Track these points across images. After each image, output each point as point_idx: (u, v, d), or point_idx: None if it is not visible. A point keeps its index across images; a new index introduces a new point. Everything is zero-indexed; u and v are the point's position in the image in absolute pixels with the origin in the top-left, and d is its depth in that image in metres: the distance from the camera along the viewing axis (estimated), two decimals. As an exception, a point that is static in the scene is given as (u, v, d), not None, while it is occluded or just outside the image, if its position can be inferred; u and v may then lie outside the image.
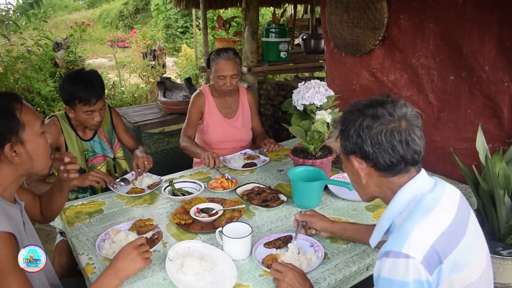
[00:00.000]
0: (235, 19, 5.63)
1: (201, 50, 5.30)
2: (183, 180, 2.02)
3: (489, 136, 1.90)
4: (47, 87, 5.21)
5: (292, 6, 6.75)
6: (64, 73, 5.59)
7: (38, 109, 4.99)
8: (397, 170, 1.06)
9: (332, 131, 1.74)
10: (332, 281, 1.34)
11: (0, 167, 1.22)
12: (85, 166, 2.13)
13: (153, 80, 6.46)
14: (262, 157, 2.32)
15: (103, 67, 8.99)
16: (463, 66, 2.01)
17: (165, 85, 4.61)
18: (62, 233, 1.99)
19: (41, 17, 4.73)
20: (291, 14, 6.76)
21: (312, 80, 1.94)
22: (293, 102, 1.95)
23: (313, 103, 1.86)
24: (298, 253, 1.42)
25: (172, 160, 3.81)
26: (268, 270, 1.32)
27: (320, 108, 1.87)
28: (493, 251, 1.69)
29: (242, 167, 2.23)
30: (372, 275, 1.07)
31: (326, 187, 1.89)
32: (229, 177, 2.03)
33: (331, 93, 1.91)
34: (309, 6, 6.14)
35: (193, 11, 6.72)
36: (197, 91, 2.58)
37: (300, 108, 1.92)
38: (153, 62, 6.65)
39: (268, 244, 1.48)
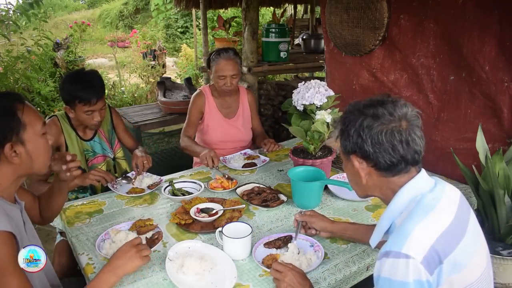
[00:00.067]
0: (235, 19, 5.64)
1: (201, 50, 5.30)
2: (183, 180, 2.02)
3: (489, 136, 1.90)
4: (47, 87, 5.22)
5: (292, 6, 6.75)
6: (64, 73, 5.59)
7: (38, 109, 4.99)
8: (398, 170, 1.06)
9: (332, 131, 1.74)
10: (332, 281, 1.34)
11: (0, 167, 1.22)
12: (85, 166, 2.13)
13: (153, 80, 6.46)
14: (262, 157, 2.32)
15: (103, 67, 8.99)
16: (463, 66, 2.01)
17: (165, 85, 4.61)
18: (62, 233, 1.99)
19: (41, 17, 4.72)
20: (291, 14, 6.76)
21: (312, 80, 1.93)
22: (293, 102, 1.95)
23: (313, 103, 1.86)
24: (298, 253, 1.42)
25: (172, 160, 3.81)
26: (268, 270, 1.32)
27: (320, 108, 1.87)
28: (493, 251, 1.69)
29: (242, 167, 2.23)
30: (372, 275, 1.07)
31: (326, 187, 1.89)
32: (229, 175, 2.03)
33: (331, 93, 1.91)
34: (309, 6, 6.14)
35: (193, 11, 6.73)
36: (197, 91, 2.58)
37: (300, 108, 1.92)
38: (153, 62, 6.65)
39: (268, 244, 1.48)
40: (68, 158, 1.46)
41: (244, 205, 1.74)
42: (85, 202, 1.89)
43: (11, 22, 4.06)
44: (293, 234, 1.51)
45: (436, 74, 2.15)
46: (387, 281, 0.95)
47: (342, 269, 1.39)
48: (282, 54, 3.93)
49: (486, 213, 1.80)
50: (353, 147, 1.09)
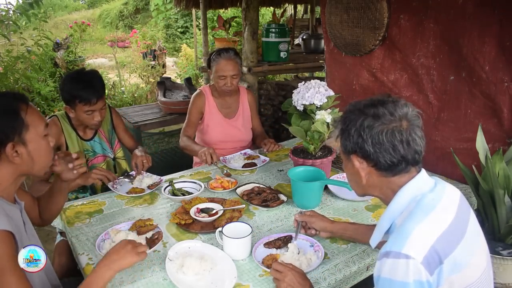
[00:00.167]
0: (235, 19, 5.64)
1: (201, 50, 5.30)
2: (183, 180, 2.02)
3: (489, 136, 1.90)
4: (47, 87, 5.21)
5: (292, 6, 6.75)
6: (64, 73, 5.59)
7: (38, 109, 4.98)
8: (398, 170, 1.06)
9: (332, 131, 1.74)
10: (332, 281, 1.34)
11: (0, 166, 1.22)
12: (85, 166, 2.12)
13: (153, 80, 6.46)
14: (262, 157, 2.32)
15: (103, 67, 8.99)
16: (463, 66, 2.01)
17: (165, 85, 4.61)
18: (62, 233, 1.99)
19: (41, 17, 4.72)
20: (291, 14, 6.77)
21: (312, 80, 1.93)
22: (293, 102, 1.95)
23: (313, 103, 1.86)
24: (298, 253, 1.42)
25: (172, 160, 3.81)
26: (268, 270, 1.32)
27: (320, 108, 1.87)
28: (493, 251, 1.69)
29: (242, 167, 2.23)
30: (372, 275, 1.07)
31: (326, 187, 1.89)
32: (228, 171, 2.04)
33: (331, 93, 1.91)
34: (309, 6, 6.14)
35: (193, 11, 6.73)
36: (197, 91, 2.58)
37: (300, 108, 1.92)
38: (153, 62, 6.65)
39: (268, 244, 1.48)
40: (74, 156, 1.49)
41: (244, 205, 1.74)
42: (85, 202, 1.89)
43: (11, 22, 4.06)
44: (293, 234, 1.51)
45: (436, 74, 2.15)
46: (387, 282, 0.95)
47: (342, 269, 1.39)
48: (282, 54, 3.93)
49: (486, 213, 1.80)
50: (353, 147, 1.09)
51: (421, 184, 1.07)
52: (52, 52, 5.87)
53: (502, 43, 1.84)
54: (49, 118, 2.10)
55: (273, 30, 3.89)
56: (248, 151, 2.44)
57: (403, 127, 1.04)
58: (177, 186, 1.95)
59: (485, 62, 1.91)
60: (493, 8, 1.84)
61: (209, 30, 5.39)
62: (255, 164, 2.25)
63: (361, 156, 1.09)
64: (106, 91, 4.26)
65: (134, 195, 1.92)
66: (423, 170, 1.10)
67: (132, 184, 2.03)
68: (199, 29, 6.32)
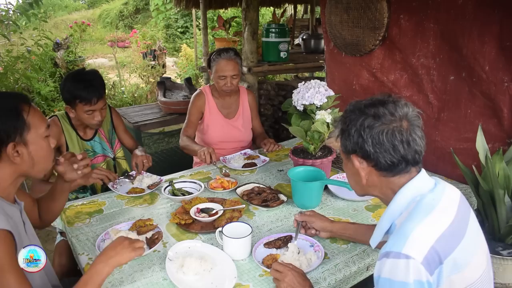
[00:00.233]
0: (235, 19, 5.63)
1: (201, 50, 5.29)
2: (183, 180, 2.02)
3: (489, 136, 1.90)
4: (47, 87, 5.22)
5: (292, 6, 6.75)
6: (64, 73, 5.60)
7: (38, 109, 4.99)
8: (398, 170, 1.06)
9: (332, 131, 1.74)
10: (332, 281, 1.34)
11: (1, 166, 1.22)
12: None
13: (153, 80, 6.46)
14: (262, 157, 2.32)
15: (103, 67, 8.98)
16: (463, 66, 2.01)
17: (165, 85, 4.61)
18: (62, 233, 1.99)
19: (41, 17, 4.73)
20: (291, 14, 6.76)
21: (312, 80, 1.93)
22: (293, 102, 1.95)
23: (313, 103, 1.86)
24: (298, 253, 1.41)
25: (172, 160, 3.81)
26: (268, 270, 1.32)
27: (320, 108, 1.87)
28: (493, 251, 1.69)
29: (242, 167, 2.23)
30: (372, 275, 1.07)
31: (326, 187, 1.89)
32: (227, 171, 2.04)
33: (331, 93, 1.91)
34: (309, 6, 6.14)
35: (193, 11, 6.73)
36: (197, 91, 2.58)
37: (300, 108, 1.92)
38: (153, 62, 6.65)
39: (268, 244, 1.48)
40: (79, 157, 1.50)
41: (244, 205, 1.74)
42: (85, 202, 1.89)
43: (11, 22, 4.07)
44: (293, 234, 1.51)
45: (436, 74, 2.15)
46: (387, 282, 0.95)
47: (342, 269, 1.39)
48: (282, 54, 3.93)
49: (486, 213, 1.80)
50: (353, 147, 1.09)
51: (421, 184, 1.07)
52: (52, 52, 5.88)
53: (502, 43, 1.84)
54: (50, 118, 2.10)
55: (273, 30, 3.89)
56: (248, 151, 2.44)
57: (403, 127, 1.04)
58: (177, 186, 1.95)
59: (485, 62, 1.91)
60: (493, 8, 1.84)
61: (209, 30, 5.38)
62: (255, 164, 2.25)
63: (361, 156, 1.09)
64: (106, 91, 4.27)
65: (134, 195, 1.92)
66: (423, 170, 1.10)
67: (132, 184, 2.03)
68: (199, 29, 6.32)
